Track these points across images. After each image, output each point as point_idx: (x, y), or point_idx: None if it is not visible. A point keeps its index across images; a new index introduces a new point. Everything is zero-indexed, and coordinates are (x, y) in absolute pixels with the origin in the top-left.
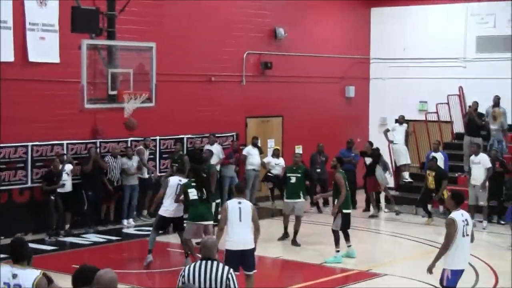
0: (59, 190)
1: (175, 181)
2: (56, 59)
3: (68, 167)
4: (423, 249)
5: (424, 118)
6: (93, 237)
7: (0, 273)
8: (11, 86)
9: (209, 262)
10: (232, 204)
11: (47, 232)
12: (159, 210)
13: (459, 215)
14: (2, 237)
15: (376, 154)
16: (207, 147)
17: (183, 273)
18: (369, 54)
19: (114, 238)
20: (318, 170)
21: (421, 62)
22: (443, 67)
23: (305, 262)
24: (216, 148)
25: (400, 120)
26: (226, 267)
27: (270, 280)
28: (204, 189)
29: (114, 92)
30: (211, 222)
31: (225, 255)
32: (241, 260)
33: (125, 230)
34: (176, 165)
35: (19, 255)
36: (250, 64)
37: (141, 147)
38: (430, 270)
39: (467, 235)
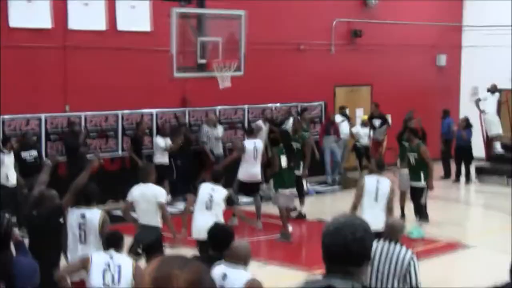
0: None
1: (251, 145)
2: (147, 28)
3: (167, 141)
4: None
5: None
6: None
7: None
8: (102, 55)
9: (392, 244)
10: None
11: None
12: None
13: None
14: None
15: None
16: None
17: None
18: (461, 21)
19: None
20: None
21: None
22: None
23: None
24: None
25: (492, 89)
26: (409, 252)
27: None
28: (292, 158)
29: (204, 61)
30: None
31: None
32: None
33: None
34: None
35: (89, 199)
36: (340, 32)
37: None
38: None
39: None
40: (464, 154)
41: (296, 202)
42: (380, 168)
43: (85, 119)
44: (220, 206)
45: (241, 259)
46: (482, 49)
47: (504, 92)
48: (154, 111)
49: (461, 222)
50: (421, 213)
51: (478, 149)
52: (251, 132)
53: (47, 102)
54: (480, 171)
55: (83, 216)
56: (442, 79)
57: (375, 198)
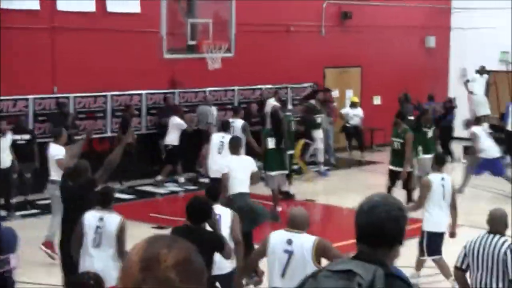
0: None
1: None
2: (136, 9)
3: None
4: (502, 201)
5: (505, 69)
6: (172, 187)
7: (89, 218)
8: (91, 36)
9: (492, 235)
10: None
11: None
12: None
13: None
14: None
15: None
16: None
17: (466, 245)
18: (450, 3)
19: (191, 187)
20: None
21: (503, 10)
22: None
23: None
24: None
25: (481, 71)
26: (508, 242)
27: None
28: (281, 139)
29: (194, 42)
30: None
31: None
32: None
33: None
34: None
35: (107, 202)
36: (330, 13)
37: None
38: None
39: None
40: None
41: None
42: (441, 164)
43: (74, 100)
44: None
45: (302, 226)
46: (471, 31)
47: (492, 74)
48: (143, 92)
49: None
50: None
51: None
52: (236, 112)
53: (35, 83)
54: (468, 151)
55: (101, 219)
56: (431, 60)
57: (442, 198)
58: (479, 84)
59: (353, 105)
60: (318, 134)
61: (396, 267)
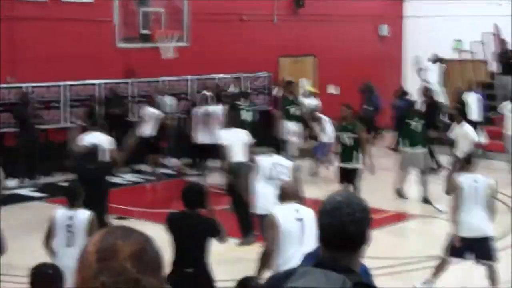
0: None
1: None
2: None
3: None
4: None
5: (458, 57)
6: (132, 177)
7: (59, 217)
8: (45, 26)
9: None
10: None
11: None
12: None
13: None
14: (42, 176)
15: None
16: (231, 88)
17: None
18: None
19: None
20: None
21: None
22: (478, 4)
23: None
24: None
25: (433, 59)
26: None
27: None
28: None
29: (147, 32)
30: None
31: None
32: None
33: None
34: None
35: (74, 199)
36: (283, 2)
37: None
38: None
39: None
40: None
41: None
42: (470, 163)
43: (29, 90)
44: None
45: (295, 196)
46: (424, 19)
47: (449, 62)
48: (97, 82)
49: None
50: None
51: None
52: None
53: None
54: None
55: (71, 218)
56: (385, 49)
57: (475, 200)
58: (432, 72)
59: (308, 94)
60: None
61: (364, 267)
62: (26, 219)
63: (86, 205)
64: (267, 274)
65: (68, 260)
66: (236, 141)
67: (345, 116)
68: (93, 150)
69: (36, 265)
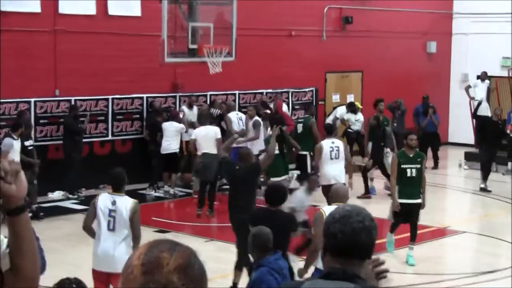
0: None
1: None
2: (137, 13)
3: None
4: (503, 206)
5: (507, 74)
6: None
7: (102, 201)
8: (92, 40)
9: None
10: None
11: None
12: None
13: None
14: (84, 189)
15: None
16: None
17: None
18: (451, 9)
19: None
20: None
21: (504, 16)
22: None
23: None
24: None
25: (482, 77)
26: None
27: None
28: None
29: (194, 46)
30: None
31: None
32: None
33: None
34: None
35: (119, 185)
36: (331, 18)
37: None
38: None
39: None
40: (432, 139)
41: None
42: None
43: (75, 103)
44: None
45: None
46: (472, 36)
47: (494, 79)
48: (144, 96)
49: (450, 208)
50: None
51: (467, 135)
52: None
53: (37, 86)
54: (469, 157)
55: (113, 203)
56: (432, 66)
57: None
58: (480, 89)
59: (354, 110)
60: None
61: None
62: (67, 231)
63: (234, 201)
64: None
65: (108, 244)
66: (206, 136)
67: (411, 145)
68: (242, 152)
69: (60, 280)
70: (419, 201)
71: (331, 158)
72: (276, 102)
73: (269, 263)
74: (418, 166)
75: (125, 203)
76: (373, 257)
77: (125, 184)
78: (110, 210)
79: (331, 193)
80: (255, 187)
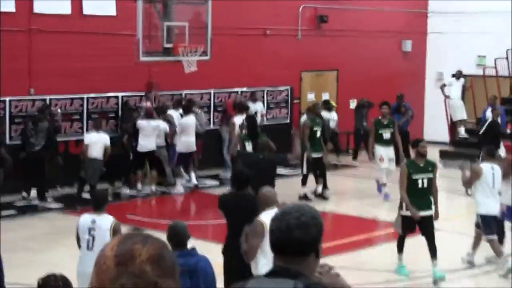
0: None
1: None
2: (112, 12)
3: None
4: None
5: (482, 73)
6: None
7: (82, 221)
8: (67, 39)
9: None
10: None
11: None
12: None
13: None
14: (58, 186)
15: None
16: (250, 104)
17: None
18: (427, 8)
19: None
20: None
21: (479, 15)
22: (502, 20)
23: (358, 216)
24: (259, 106)
25: (457, 75)
26: None
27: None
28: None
29: (170, 45)
30: None
31: None
32: None
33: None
34: None
35: (99, 204)
36: (306, 17)
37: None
38: None
39: None
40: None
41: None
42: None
43: (50, 102)
44: None
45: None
46: (447, 35)
47: (469, 78)
48: (120, 94)
49: None
50: None
51: (442, 133)
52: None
53: (11, 85)
54: (444, 155)
55: (93, 222)
56: (408, 64)
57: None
58: (455, 88)
59: (329, 108)
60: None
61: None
62: (43, 230)
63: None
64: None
65: (87, 263)
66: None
67: (422, 153)
68: (262, 143)
69: (45, 276)
70: (431, 212)
71: None
72: (226, 102)
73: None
74: (430, 175)
75: (106, 222)
76: (320, 264)
77: (106, 203)
78: (90, 229)
79: (261, 200)
80: (275, 176)
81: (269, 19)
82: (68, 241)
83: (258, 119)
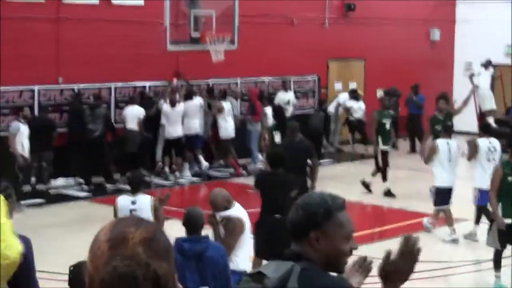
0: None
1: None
2: (140, 1)
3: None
4: None
5: (511, 63)
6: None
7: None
8: (95, 27)
9: None
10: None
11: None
12: None
13: None
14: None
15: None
16: (281, 93)
17: None
18: None
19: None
20: None
21: (508, 3)
22: None
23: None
24: (291, 95)
25: (486, 64)
26: None
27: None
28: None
29: (197, 34)
30: None
31: None
32: None
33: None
34: None
35: (137, 185)
36: (333, 6)
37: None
38: None
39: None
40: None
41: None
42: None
43: (78, 91)
44: None
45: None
46: (476, 23)
47: (498, 67)
48: (147, 83)
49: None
50: None
51: (471, 123)
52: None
53: (40, 74)
54: None
55: (133, 202)
56: (436, 53)
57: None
58: (484, 78)
59: (356, 97)
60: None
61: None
62: (69, 218)
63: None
64: None
65: None
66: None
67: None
68: (291, 126)
69: (76, 263)
70: None
71: None
72: (250, 91)
73: None
74: None
75: (145, 201)
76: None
77: (143, 185)
78: (131, 210)
79: (218, 201)
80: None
81: (296, 7)
82: (96, 229)
83: (290, 108)
